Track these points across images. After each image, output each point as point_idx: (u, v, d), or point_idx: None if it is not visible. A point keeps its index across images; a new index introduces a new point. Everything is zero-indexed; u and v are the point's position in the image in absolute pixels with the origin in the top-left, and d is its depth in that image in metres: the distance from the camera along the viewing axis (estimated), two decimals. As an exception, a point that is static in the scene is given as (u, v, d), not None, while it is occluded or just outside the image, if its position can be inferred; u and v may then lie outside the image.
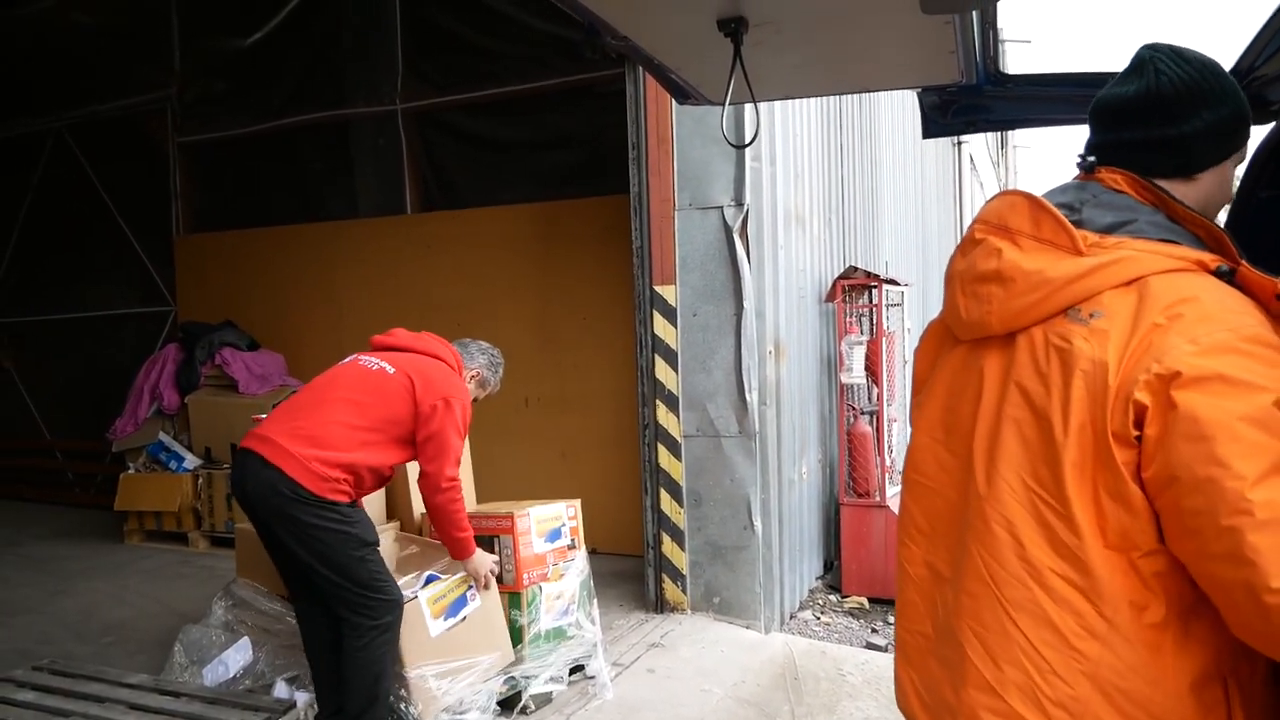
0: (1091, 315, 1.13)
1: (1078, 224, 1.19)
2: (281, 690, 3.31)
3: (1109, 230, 1.18)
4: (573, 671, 3.60)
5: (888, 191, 7.49)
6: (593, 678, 3.61)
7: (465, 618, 3.26)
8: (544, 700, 3.45)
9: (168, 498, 5.93)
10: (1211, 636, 1.09)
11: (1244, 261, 1.19)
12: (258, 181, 6.97)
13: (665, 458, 4.50)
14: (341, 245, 6.44)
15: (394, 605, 2.91)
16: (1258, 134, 2.45)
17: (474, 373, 3.31)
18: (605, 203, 5.41)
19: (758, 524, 4.39)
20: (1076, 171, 1.33)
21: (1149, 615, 1.09)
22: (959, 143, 13.35)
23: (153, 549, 6.02)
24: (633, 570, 4.87)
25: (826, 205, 5.58)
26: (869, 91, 2.79)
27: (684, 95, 2.60)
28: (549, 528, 3.56)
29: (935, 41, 1.93)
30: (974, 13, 1.92)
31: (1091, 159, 1.28)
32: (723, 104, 1.98)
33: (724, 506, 4.44)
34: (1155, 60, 1.24)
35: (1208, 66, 1.24)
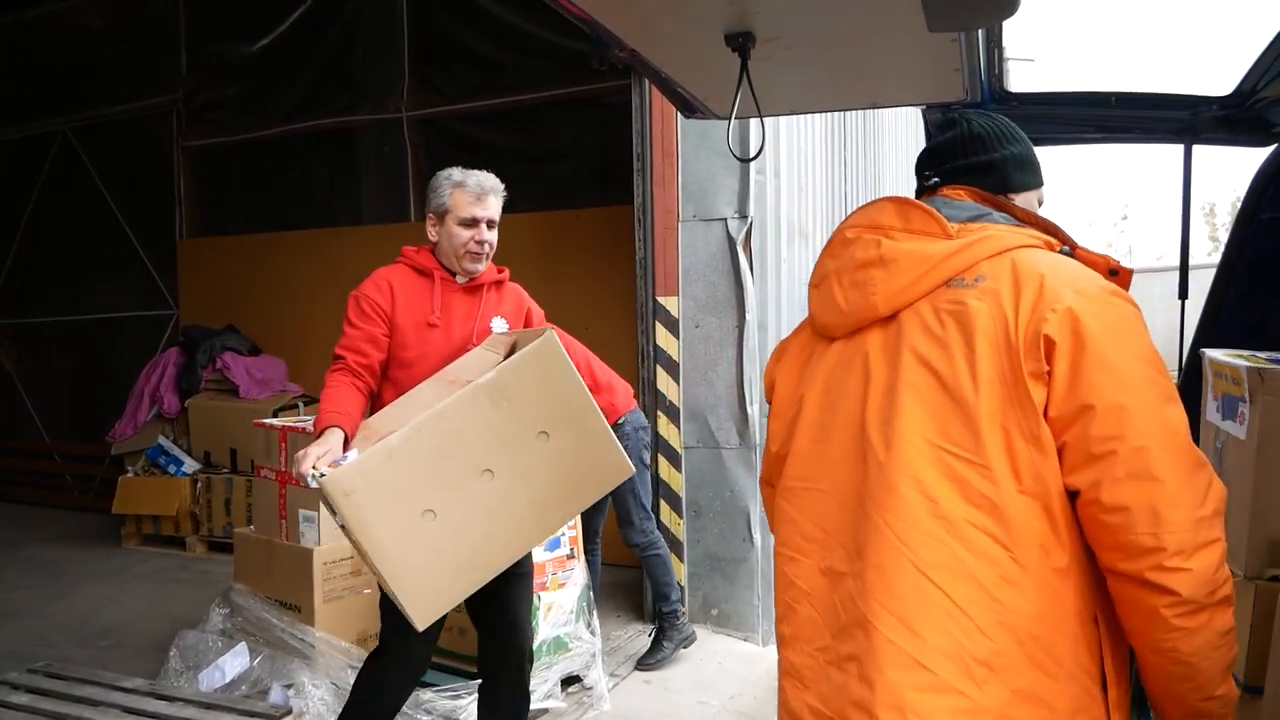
0: (976, 280, 1.23)
1: None
2: (277, 696, 3.30)
3: (970, 221, 1.31)
4: (570, 682, 3.59)
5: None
6: (590, 689, 3.61)
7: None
8: (539, 713, 3.44)
9: (166, 502, 5.92)
10: (1092, 577, 1.18)
11: (1078, 245, 1.33)
12: (262, 187, 6.99)
13: (666, 469, 4.50)
14: (345, 251, 6.44)
15: None
16: (1257, 157, 2.47)
17: (429, 216, 2.58)
18: (609, 213, 5.43)
19: (757, 536, 4.38)
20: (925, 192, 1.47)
21: (1054, 559, 1.15)
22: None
23: (150, 553, 6.01)
24: (631, 581, 4.86)
25: (830, 219, 5.59)
26: (874, 108, 2.81)
27: (690, 109, 2.61)
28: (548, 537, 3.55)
29: (940, 59, 1.94)
30: (979, 31, 1.94)
31: (935, 179, 1.44)
32: (728, 118, 1.99)
33: (723, 518, 4.44)
34: (965, 116, 1.49)
35: (1005, 120, 1.48)
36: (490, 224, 2.53)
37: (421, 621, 2.01)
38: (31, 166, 7.76)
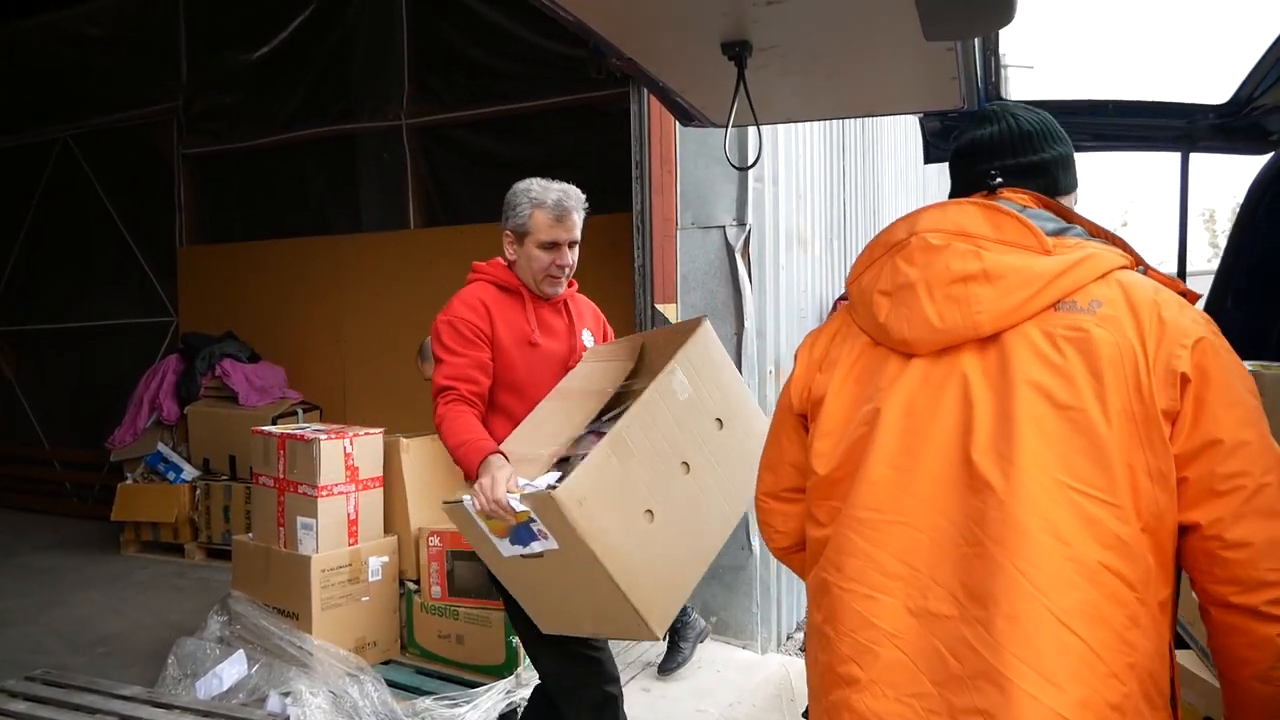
0: (1092, 304, 1.16)
1: None
2: (275, 704, 3.29)
3: (1057, 234, 1.24)
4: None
5: (889, 214, 7.51)
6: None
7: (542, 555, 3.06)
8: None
9: (165, 508, 5.92)
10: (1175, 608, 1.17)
11: (1146, 262, 1.28)
12: (262, 194, 7.00)
13: (664, 476, 4.49)
14: (344, 259, 6.46)
15: None
16: (1256, 163, 2.47)
17: (505, 233, 2.46)
18: (607, 221, 5.41)
19: (755, 543, 4.38)
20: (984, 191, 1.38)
21: (1160, 593, 1.13)
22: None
23: (149, 560, 6.00)
24: (630, 588, 4.85)
25: (829, 226, 5.60)
26: (871, 116, 2.82)
27: (687, 117, 2.62)
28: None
29: (938, 67, 1.95)
30: (976, 39, 1.94)
31: (999, 180, 1.35)
32: (725, 126, 1.99)
33: (722, 526, 4.42)
34: (1007, 109, 1.41)
35: (1049, 116, 1.40)
36: (572, 244, 2.41)
37: (660, 627, 1.95)
38: (32, 173, 7.78)
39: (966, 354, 1.20)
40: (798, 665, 4.29)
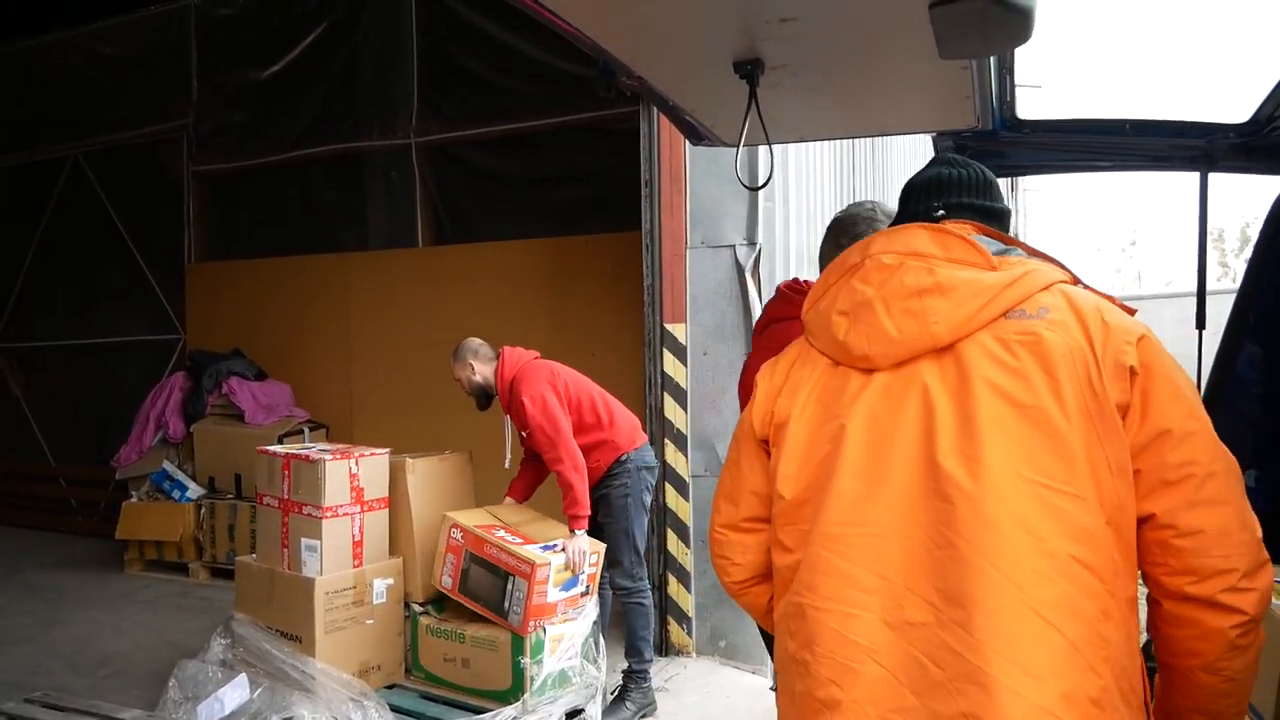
0: (1040, 311, 1.21)
1: None
2: (277, 730, 3.25)
3: (1001, 254, 1.29)
4: (574, 715, 3.52)
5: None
6: (591, 721, 3.53)
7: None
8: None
9: (170, 527, 5.88)
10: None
11: (1083, 281, 1.32)
12: (271, 212, 7.01)
13: (673, 497, 4.45)
14: (352, 276, 6.45)
15: None
16: (1273, 184, 2.43)
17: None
18: (616, 239, 5.41)
19: (765, 566, 4.31)
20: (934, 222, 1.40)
21: (1128, 589, 1.16)
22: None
23: (152, 579, 5.96)
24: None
25: (838, 245, 5.56)
26: (884, 135, 2.79)
27: (698, 136, 2.59)
28: (566, 577, 3.50)
29: (952, 86, 1.92)
30: (991, 58, 1.91)
31: (941, 211, 1.40)
32: (736, 146, 1.96)
33: (731, 548, 4.36)
34: (960, 158, 1.48)
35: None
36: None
37: None
38: (42, 190, 7.81)
39: (925, 364, 1.23)
40: (808, 691, 4.21)
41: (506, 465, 3.87)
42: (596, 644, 3.66)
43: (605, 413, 3.70)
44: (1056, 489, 1.13)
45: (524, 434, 3.66)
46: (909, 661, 1.14)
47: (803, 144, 4.73)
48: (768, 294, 4.35)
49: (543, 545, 3.49)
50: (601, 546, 3.62)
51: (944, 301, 1.22)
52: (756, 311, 4.29)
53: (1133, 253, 35.90)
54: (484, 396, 3.79)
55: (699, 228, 4.41)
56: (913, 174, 1.49)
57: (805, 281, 2.33)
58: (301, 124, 6.56)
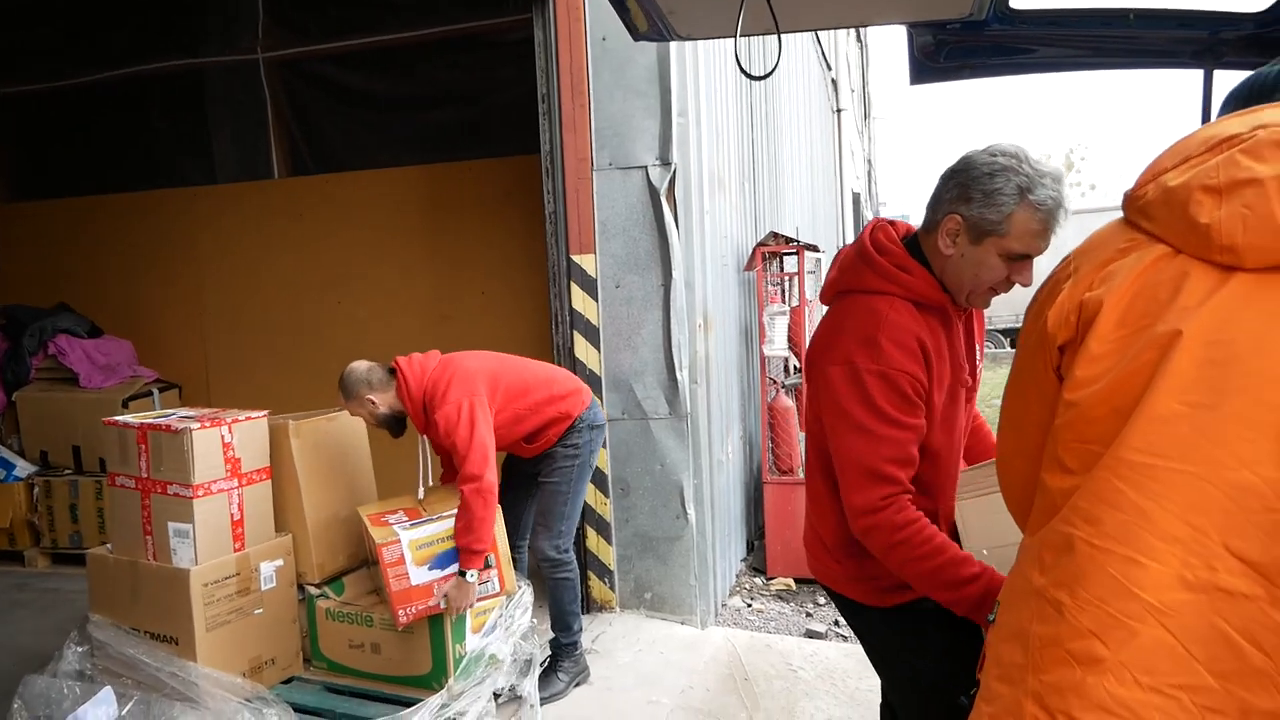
0: None
1: None
2: (156, 750, 2.76)
3: None
4: (499, 695, 3.17)
5: (788, 157, 7.26)
6: (523, 698, 3.20)
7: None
8: (474, 733, 3.02)
9: (-3, 511, 5.09)
10: None
11: None
12: (93, 142, 6.06)
13: (588, 445, 4.10)
14: (198, 214, 5.68)
15: None
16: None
17: (953, 217, 1.74)
18: (508, 164, 4.92)
19: (691, 511, 4.06)
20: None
21: None
22: (838, 110, 13.38)
23: (-19, 571, 5.17)
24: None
25: (742, 168, 5.26)
26: (874, 24, 2.48)
27: (641, 28, 2.19)
28: (437, 551, 3.01)
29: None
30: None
31: None
32: (734, 34, 1.57)
33: (654, 495, 4.08)
34: None
35: None
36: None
37: None
38: None
39: None
40: (742, 638, 4.03)
41: (421, 495, 3.25)
42: (524, 613, 3.31)
43: (543, 388, 3.26)
44: None
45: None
46: (1212, 636, 0.92)
47: (709, 56, 4.36)
48: (684, 219, 3.99)
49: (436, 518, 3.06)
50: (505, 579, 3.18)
51: None
52: (673, 238, 3.94)
53: (1081, 167, 36.39)
54: (396, 424, 3.22)
55: (606, 148, 3.98)
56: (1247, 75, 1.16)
57: (893, 223, 1.81)
58: (125, 37, 5.64)
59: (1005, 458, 1.26)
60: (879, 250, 1.73)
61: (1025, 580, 1.06)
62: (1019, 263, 1.66)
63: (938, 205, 1.69)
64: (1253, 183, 0.98)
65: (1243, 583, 0.92)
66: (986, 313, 1.94)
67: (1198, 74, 2.21)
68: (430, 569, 3.00)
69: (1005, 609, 1.11)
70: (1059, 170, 1.62)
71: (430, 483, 3.35)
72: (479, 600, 3.07)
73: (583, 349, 4.07)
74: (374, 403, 3.15)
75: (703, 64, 4.23)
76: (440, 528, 3.04)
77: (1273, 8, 1.93)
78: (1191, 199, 1.02)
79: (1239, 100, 1.17)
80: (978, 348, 1.87)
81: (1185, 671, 0.93)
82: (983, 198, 1.62)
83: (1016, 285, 1.70)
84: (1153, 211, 1.07)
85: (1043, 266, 1.32)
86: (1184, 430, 0.97)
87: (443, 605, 2.96)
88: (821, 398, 1.74)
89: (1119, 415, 1.01)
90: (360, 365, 3.20)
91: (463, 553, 2.97)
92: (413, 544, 2.98)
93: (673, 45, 3.90)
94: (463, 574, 2.97)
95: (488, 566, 3.09)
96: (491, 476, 2.96)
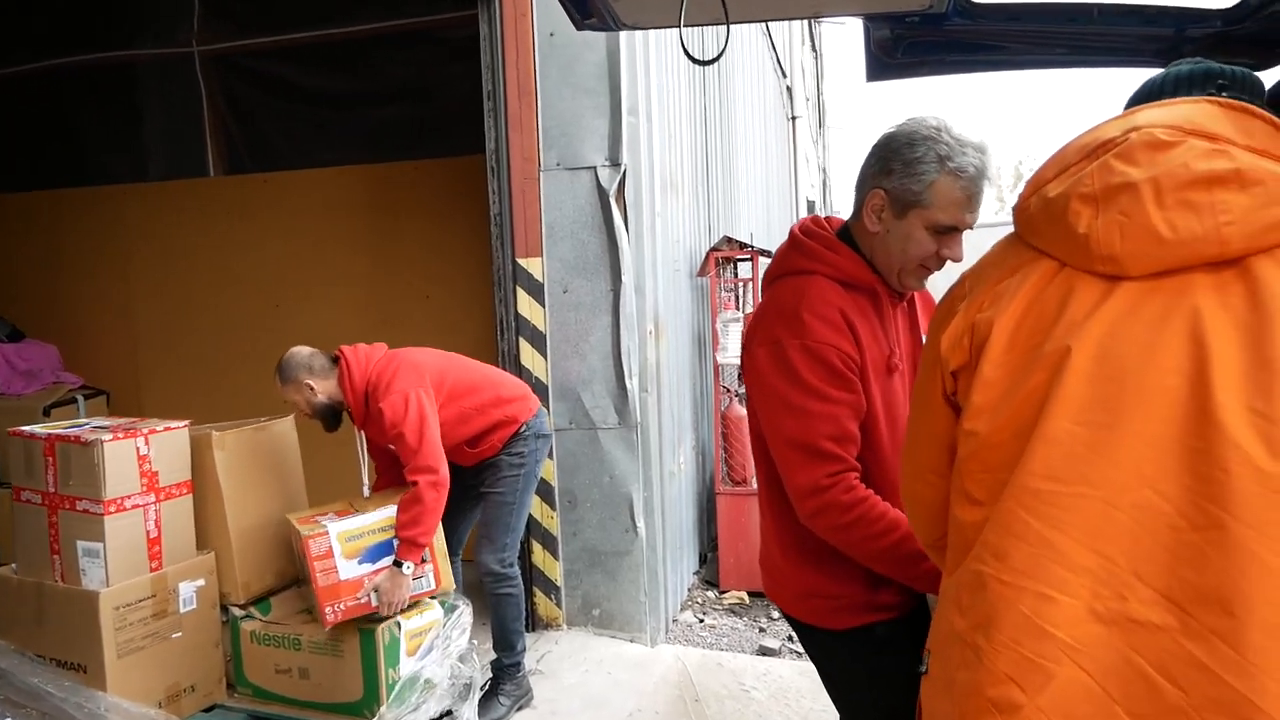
0: None
1: None
2: (58, 789, 2.54)
3: None
4: (444, 718, 3.01)
5: (742, 161, 7.19)
6: (464, 724, 3.04)
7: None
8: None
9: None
10: None
11: None
12: (14, 138, 5.75)
13: (534, 455, 3.95)
14: (127, 213, 5.42)
15: None
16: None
17: (877, 192, 1.69)
18: (452, 165, 4.76)
19: (640, 525, 3.93)
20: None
21: None
22: (793, 117, 13.41)
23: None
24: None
25: (695, 171, 5.16)
26: (829, 16, 2.40)
27: (585, 18, 2.07)
28: (368, 544, 2.86)
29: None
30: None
31: (1225, 93, 1.07)
32: (679, 23, 1.45)
33: (602, 507, 3.94)
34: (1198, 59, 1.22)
35: None
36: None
37: None
38: None
39: (1199, 279, 0.93)
40: (693, 656, 3.90)
41: (367, 494, 3.14)
42: (462, 632, 3.14)
43: (490, 389, 3.15)
44: None
45: (389, 446, 2.99)
46: (1127, 672, 0.88)
47: (662, 53, 4.25)
48: (634, 222, 3.87)
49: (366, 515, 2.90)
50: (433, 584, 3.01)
51: (1244, 198, 0.91)
52: (623, 242, 3.81)
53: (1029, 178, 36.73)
54: (332, 416, 3.07)
55: (554, 147, 3.85)
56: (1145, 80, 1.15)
57: (828, 219, 1.76)
58: (46, 25, 5.36)
59: (904, 479, 1.23)
60: (806, 234, 1.71)
61: (949, 624, 1.01)
62: (947, 236, 1.61)
63: (863, 184, 1.66)
64: (1127, 188, 0.96)
65: (1154, 612, 0.88)
66: None
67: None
68: (360, 563, 2.84)
69: (934, 657, 1.06)
70: (983, 142, 1.59)
71: (368, 482, 3.21)
72: (411, 597, 2.90)
73: (529, 356, 3.92)
74: (312, 389, 3.00)
75: (654, 62, 4.12)
76: (371, 519, 2.89)
77: (1240, 4, 1.86)
78: (1069, 209, 0.99)
79: (1136, 104, 1.13)
80: (923, 336, 1.77)
81: (1104, 713, 0.88)
82: (903, 168, 1.57)
83: (949, 263, 1.65)
84: (1036, 225, 1.05)
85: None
86: (1081, 451, 0.93)
87: (374, 601, 2.80)
88: (751, 384, 1.67)
89: (1020, 440, 0.97)
90: (302, 350, 3.06)
91: (403, 543, 2.85)
92: (341, 535, 2.82)
93: (623, 42, 3.78)
94: (398, 564, 2.83)
95: (423, 561, 2.93)
96: (445, 470, 2.87)
